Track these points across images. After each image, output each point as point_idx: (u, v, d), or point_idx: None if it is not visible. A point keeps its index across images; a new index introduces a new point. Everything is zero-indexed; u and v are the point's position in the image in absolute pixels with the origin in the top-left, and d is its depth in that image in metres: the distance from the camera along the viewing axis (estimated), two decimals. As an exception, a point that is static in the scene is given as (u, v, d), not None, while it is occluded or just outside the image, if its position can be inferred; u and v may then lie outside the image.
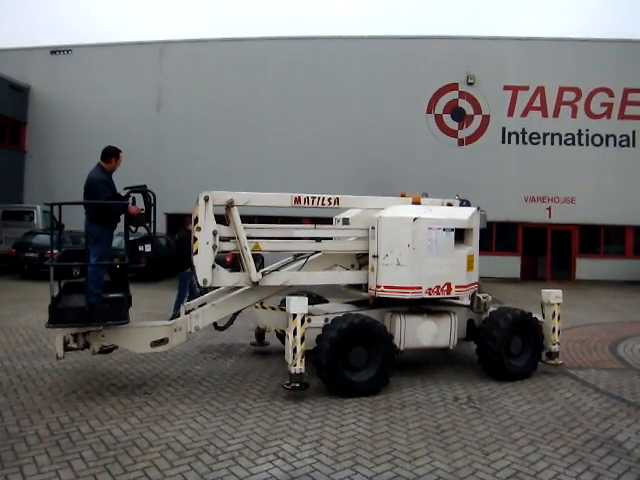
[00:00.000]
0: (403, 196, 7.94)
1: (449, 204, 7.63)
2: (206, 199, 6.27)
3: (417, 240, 6.55)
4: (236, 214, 6.44)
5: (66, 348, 5.98)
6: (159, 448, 4.67)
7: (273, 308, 7.48)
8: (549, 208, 21.51)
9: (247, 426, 5.21)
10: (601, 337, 9.82)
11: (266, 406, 5.79)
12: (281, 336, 7.86)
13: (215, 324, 7.21)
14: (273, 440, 4.89)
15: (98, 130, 21.69)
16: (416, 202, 7.26)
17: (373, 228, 6.83)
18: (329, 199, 6.94)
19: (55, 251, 8.02)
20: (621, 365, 7.97)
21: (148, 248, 6.44)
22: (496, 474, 4.32)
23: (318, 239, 6.98)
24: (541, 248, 21.75)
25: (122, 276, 6.45)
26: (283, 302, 7.63)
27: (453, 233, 6.76)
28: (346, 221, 7.60)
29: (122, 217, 6.30)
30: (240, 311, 7.13)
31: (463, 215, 7.06)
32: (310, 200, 6.85)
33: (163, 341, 6.28)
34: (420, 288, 6.59)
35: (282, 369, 7.25)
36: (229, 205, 6.43)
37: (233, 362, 7.65)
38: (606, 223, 21.73)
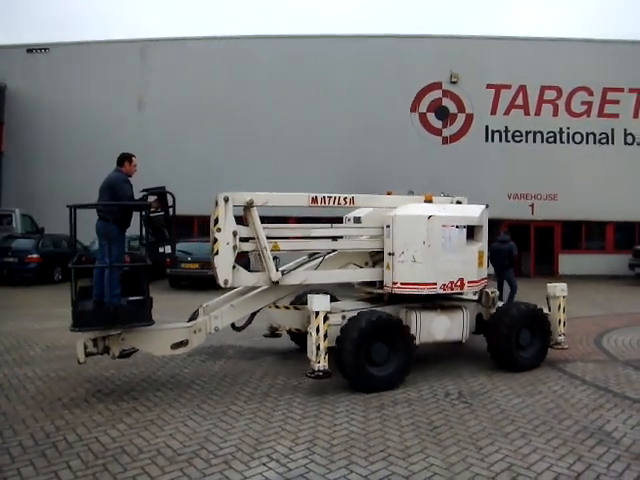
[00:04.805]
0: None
1: (458, 202, 7.82)
2: (226, 200, 6.29)
3: (432, 237, 6.73)
4: (256, 214, 6.47)
5: (86, 353, 5.93)
6: (149, 454, 4.59)
7: (287, 307, 7.58)
8: (532, 205, 21.77)
9: (239, 428, 5.16)
10: (586, 330, 9.92)
11: (257, 408, 5.74)
12: (294, 335, 8.10)
13: (233, 325, 7.21)
14: (266, 442, 4.84)
15: (78, 130, 21.48)
16: (428, 200, 7.41)
17: (388, 226, 6.97)
18: (344, 198, 7.04)
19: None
20: (606, 357, 8.08)
21: (168, 249, 6.37)
22: (490, 468, 4.32)
23: (335, 238, 7.07)
24: (525, 244, 21.95)
25: (142, 278, 6.46)
26: (295, 301, 7.82)
27: (465, 230, 6.98)
28: (358, 220, 7.71)
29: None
30: (258, 311, 7.16)
31: (474, 213, 7.28)
32: (326, 200, 6.94)
33: (183, 343, 6.28)
34: (435, 284, 6.78)
35: (272, 370, 7.24)
36: (248, 205, 6.43)
37: (222, 364, 7.59)
38: (587, 219, 22.06)
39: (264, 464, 4.41)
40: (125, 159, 6.57)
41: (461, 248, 6.92)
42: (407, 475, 4.21)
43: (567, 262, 21.68)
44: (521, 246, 21.83)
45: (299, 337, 7.93)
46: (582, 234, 22.62)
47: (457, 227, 6.89)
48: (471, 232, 7.15)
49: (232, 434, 5.02)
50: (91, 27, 55.33)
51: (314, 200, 6.88)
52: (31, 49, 23.06)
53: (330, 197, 6.95)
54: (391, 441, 4.85)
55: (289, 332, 8.10)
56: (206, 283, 16.22)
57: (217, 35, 22.88)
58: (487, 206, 7.55)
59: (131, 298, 6.26)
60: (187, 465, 4.39)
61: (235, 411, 5.64)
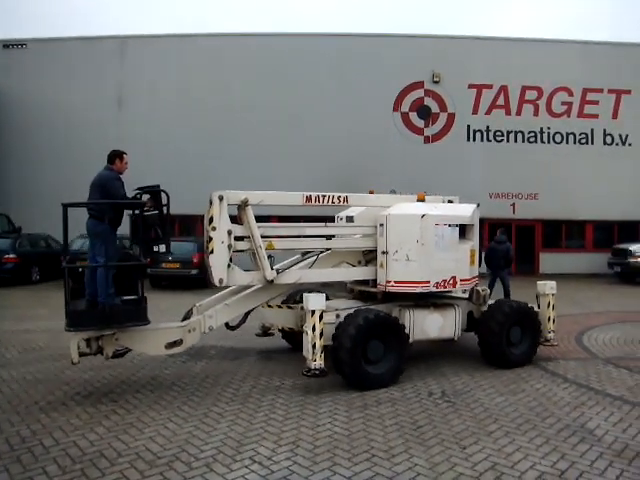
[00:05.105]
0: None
1: (450, 201, 7.96)
2: (220, 198, 6.29)
3: (425, 236, 6.80)
4: (250, 213, 6.47)
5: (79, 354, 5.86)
6: (129, 458, 4.49)
7: (280, 306, 7.59)
8: (513, 204, 21.93)
9: (220, 430, 5.08)
10: (567, 328, 9.99)
11: (239, 409, 5.66)
12: (287, 334, 8.11)
13: (227, 324, 7.19)
14: (248, 444, 4.77)
15: (55, 128, 21.09)
16: (420, 199, 7.46)
17: (381, 225, 7.02)
18: (338, 197, 7.10)
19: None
20: (587, 355, 8.13)
21: (163, 248, 6.33)
22: (474, 467, 4.30)
23: (328, 237, 7.11)
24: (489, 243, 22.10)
25: (137, 277, 6.41)
26: (286, 300, 7.82)
27: (458, 229, 7.07)
28: (350, 219, 7.74)
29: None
30: (252, 310, 7.14)
31: (466, 212, 7.37)
32: (320, 198, 7.02)
33: (177, 342, 6.25)
34: (428, 282, 6.84)
35: (254, 371, 7.16)
36: (243, 204, 6.43)
37: (204, 365, 7.49)
38: (567, 218, 22.31)
39: (246, 466, 4.34)
40: (116, 156, 6.41)
41: (454, 246, 7.00)
42: (391, 476, 4.17)
43: (548, 261, 21.90)
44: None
45: (292, 336, 7.95)
46: (562, 233, 22.88)
47: (450, 226, 6.96)
48: (463, 231, 7.24)
49: (214, 436, 4.94)
50: (73, 24, 54.47)
51: (308, 199, 6.93)
52: (7, 44, 22.56)
53: (324, 196, 7.02)
54: (375, 441, 4.81)
55: (281, 331, 8.08)
56: (187, 283, 16.15)
57: (199, 32, 22.56)
58: (478, 205, 7.64)
59: (125, 297, 6.22)
60: (167, 469, 4.31)
61: (217, 413, 5.55)
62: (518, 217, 21.90)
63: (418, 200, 7.44)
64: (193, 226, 20.17)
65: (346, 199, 7.19)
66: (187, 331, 6.32)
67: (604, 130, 22.33)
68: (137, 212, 6.22)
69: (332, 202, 7.07)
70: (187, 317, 6.75)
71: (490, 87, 21.97)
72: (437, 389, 6.35)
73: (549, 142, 22.23)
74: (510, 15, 56.98)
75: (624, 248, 19.09)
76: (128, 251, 8.54)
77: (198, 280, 16.36)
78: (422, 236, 6.78)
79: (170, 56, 21.79)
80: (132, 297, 6.17)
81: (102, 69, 21.77)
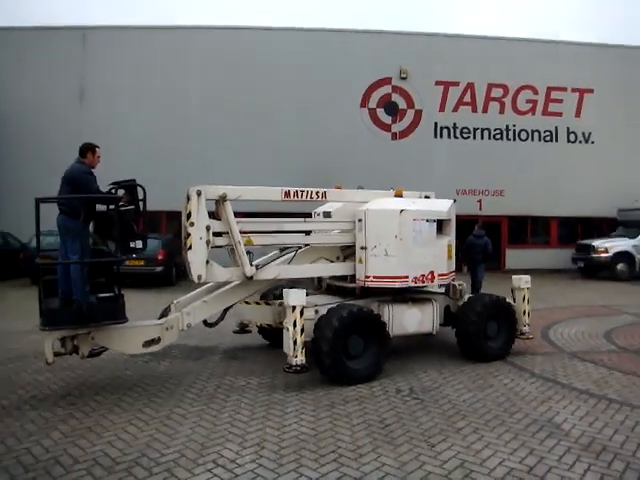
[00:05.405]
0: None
1: (427, 197, 8.01)
2: (199, 193, 6.20)
3: (404, 231, 6.84)
4: (229, 208, 6.40)
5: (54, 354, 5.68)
6: (86, 465, 4.28)
7: (258, 303, 7.51)
8: (480, 201, 22.12)
9: (183, 433, 4.90)
10: (533, 323, 9.92)
11: (203, 410, 5.48)
12: (265, 330, 8.05)
13: (205, 321, 7.07)
14: (211, 446, 4.61)
15: (11, 121, 20.26)
16: (398, 195, 7.49)
17: (360, 220, 7.02)
18: (317, 192, 7.08)
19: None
20: (553, 349, 8.21)
21: (140, 245, 6.18)
22: (443, 465, 4.24)
23: (307, 232, 7.10)
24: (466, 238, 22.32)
25: (113, 274, 6.30)
26: (263, 297, 7.75)
27: (435, 224, 7.14)
28: (328, 214, 7.68)
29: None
30: (231, 306, 7.08)
31: (443, 207, 7.44)
32: (299, 194, 6.95)
33: (154, 341, 6.12)
34: (407, 277, 6.91)
35: (219, 370, 6.98)
36: (222, 199, 6.35)
37: (167, 365, 7.27)
38: (532, 215, 22.67)
39: (209, 470, 4.19)
40: (88, 150, 6.15)
41: (431, 242, 7.06)
42: (359, 476, 4.07)
43: (513, 257, 22.18)
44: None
45: (269, 333, 7.93)
46: (528, 229, 23.22)
47: (427, 221, 7.03)
48: (440, 226, 7.30)
49: (176, 439, 4.77)
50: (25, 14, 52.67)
51: (287, 194, 6.90)
52: None
53: (303, 191, 7.00)
54: (342, 441, 4.70)
55: (259, 328, 8.03)
56: (152, 280, 15.79)
57: (164, 25, 21.98)
58: (455, 201, 7.76)
59: (101, 295, 6.08)
60: (127, 475, 4.13)
61: (179, 414, 5.37)
62: (484, 213, 22.08)
63: (396, 195, 7.49)
64: (157, 223, 19.76)
65: (324, 194, 7.19)
66: (165, 329, 6.21)
67: (568, 128, 22.74)
68: (112, 207, 6.05)
69: (311, 197, 7.05)
70: (164, 315, 6.61)
71: (457, 84, 22.11)
72: (405, 386, 6.28)
73: (515, 139, 22.52)
74: (478, 13, 57.70)
75: (587, 244, 19.49)
76: (101, 248, 8.43)
77: (163, 277, 16.07)
78: (401, 231, 6.81)
79: (133, 49, 21.20)
80: (108, 294, 6.07)
81: (62, 60, 21.04)
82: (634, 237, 18.89)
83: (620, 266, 18.49)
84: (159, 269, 15.81)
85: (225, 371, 6.94)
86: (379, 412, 5.41)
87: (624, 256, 18.56)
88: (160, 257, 15.63)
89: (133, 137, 20.51)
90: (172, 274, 16.63)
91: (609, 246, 18.74)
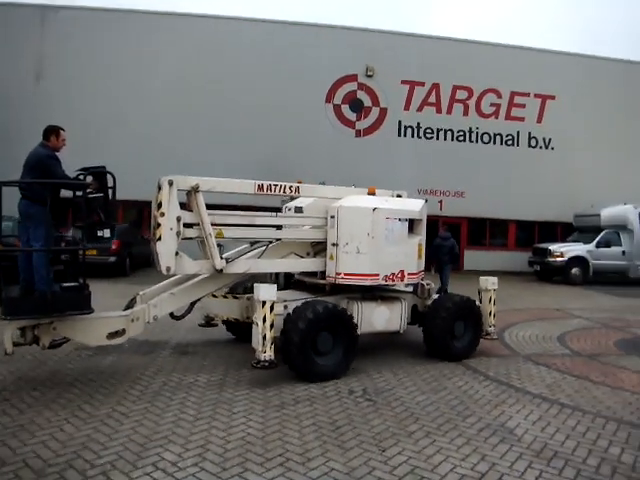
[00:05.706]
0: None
1: (399, 195, 8.01)
2: (170, 183, 6.07)
3: (376, 229, 6.81)
4: (201, 200, 6.27)
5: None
6: (14, 467, 3.97)
7: (225, 296, 7.42)
8: (441, 201, 22.31)
9: (123, 433, 4.63)
10: (489, 325, 10.12)
11: (146, 408, 5.21)
12: (230, 324, 7.97)
13: (172, 314, 6.88)
14: (152, 448, 4.35)
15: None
16: (371, 193, 7.46)
17: (332, 217, 6.99)
18: (290, 187, 7.02)
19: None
20: (508, 352, 8.22)
21: (107, 233, 5.98)
22: (393, 472, 4.10)
23: (279, 227, 7.09)
24: (433, 240, 22.47)
25: (78, 263, 6.05)
26: (231, 290, 7.61)
27: (407, 223, 7.15)
28: (299, 210, 7.62)
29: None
30: (198, 300, 6.98)
31: (415, 207, 7.44)
32: (272, 187, 6.87)
33: (119, 332, 5.92)
34: (378, 275, 6.89)
35: (167, 366, 6.71)
36: (194, 190, 6.21)
37: (113, 359, 6.94)
38: (491, 217, 23.00)
39: (148, 474, 3.94)
40: (52, 132, 5.87)
41: (403, 240, 7.07)
42: (306, 482, 3.89)
43: (471, 258, 22.45)
44: (429, 241, 22.49)
45: (236, 327, 7.85)
46: (486, 231, 23.56)
47: (400, 220, 7.04)
48: (411, 225, 7.31)
49: (115, 439, 4.50)
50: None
51: (260, 188, 6.80)
52: None
53: (276, 185, 6.92)
54: (290, 444, 4.52)
55: (225, 322, 7.93)
56: (105, 271, 15.25)
57: (129, 8, 21.23)
58: (426, 201, 7.81)
59: (65, 284, 5.80)
60: (58, 477, 3.84)
61: (121, 413, 5.09)
62: (445, 214, 22.27)
63: (369, 193, 7.47)
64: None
65: (297, 189, 7.11)
66: (130, 320, 6.01)
67: (529, 133, 23.16)
68: (80, 194, 5.80)
69: (284, 192, 7.00)
70: (130, 306, 6.39)
71: (422, 84, 22.22)
72: (358, 387, 6.14)
73: (477, 142, 22.81)
74: (449, 14, 58.32)
75: (544, 247, 19.87)
76: (66, 236, 8.15)
77: (116, 267, 15.58)
78: (373, 229, 6.79)
79: (99, 32, 20.43)
80: (72, 284, 5.81)
81: (18, 39, 20.12)
82: (589, 242, 19.35)
83: (574, 270, 18.90)
84: (112, 259, 15.32)
85: (173, 367, 6.67)
86: (330, 414, 5.25)
87: (579, 261, 18.97)
88: (114, 247, 15.11)
89: (89, 123, 19.70)
90: (126, 264, 16.13)
91: (564, 250, 19.14)
